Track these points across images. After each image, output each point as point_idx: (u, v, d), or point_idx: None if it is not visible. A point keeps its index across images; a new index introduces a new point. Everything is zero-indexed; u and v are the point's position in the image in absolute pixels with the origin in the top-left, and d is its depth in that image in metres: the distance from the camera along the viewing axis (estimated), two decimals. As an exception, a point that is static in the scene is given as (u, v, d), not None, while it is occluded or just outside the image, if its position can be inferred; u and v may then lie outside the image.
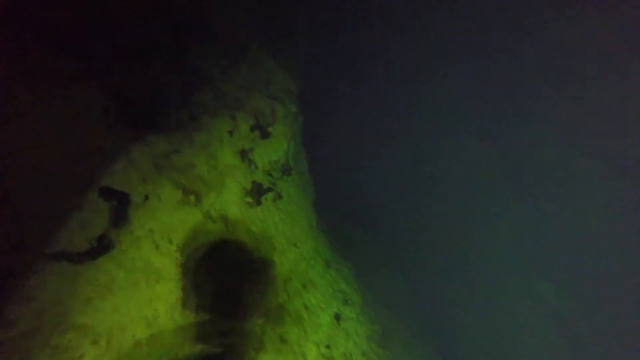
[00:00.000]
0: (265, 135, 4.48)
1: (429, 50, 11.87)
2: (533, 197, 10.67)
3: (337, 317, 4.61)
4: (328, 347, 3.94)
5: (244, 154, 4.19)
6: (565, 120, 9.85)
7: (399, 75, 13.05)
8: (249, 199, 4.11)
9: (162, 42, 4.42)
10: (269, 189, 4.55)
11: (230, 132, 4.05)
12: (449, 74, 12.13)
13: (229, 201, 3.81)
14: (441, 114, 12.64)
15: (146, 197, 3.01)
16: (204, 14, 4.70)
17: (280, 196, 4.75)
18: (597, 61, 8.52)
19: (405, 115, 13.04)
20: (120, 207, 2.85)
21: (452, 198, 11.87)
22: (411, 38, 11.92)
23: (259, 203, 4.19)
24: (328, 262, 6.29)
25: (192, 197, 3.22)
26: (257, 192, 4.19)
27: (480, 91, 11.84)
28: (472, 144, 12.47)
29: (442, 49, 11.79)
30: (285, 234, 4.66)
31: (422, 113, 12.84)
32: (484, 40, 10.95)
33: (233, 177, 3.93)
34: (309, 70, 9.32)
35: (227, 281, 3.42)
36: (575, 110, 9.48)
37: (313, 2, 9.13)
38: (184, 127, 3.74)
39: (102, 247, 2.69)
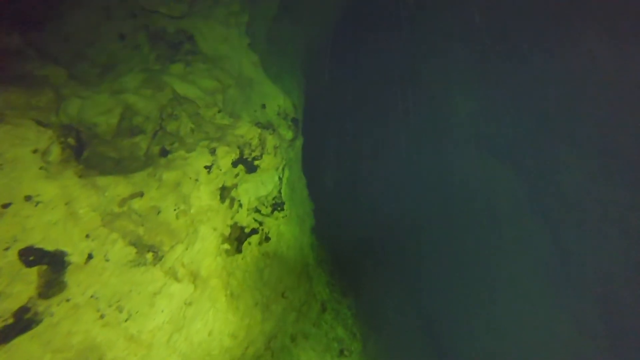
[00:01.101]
0: (251, 169, 3.92)
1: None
2: (556, 226, 9.83)
3: (329, 382, 3.96)
4: None
5: (224, 193, 3.62)
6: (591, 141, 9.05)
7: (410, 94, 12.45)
8: (227, 246, 3.53)
9: (136, 54, 3.93)
10: (254, 231, 3.95)
11: (209, 168, 3.49)
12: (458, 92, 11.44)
13: (202, 252, 3.23)
14: (452, 132, 11.94)
15: (89, 257, 2.45)
16: (188, 29, 4.20)
17: (267, 238, 4.15)
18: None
19: (416, 136, 12.39)
20: (52, 272, 2.29)
21: (472, 222, 11.10)
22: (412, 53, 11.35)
23: (239, 251, 3.60)
24: (324, 303, 5.63)
25: (150, 255, 2.64)
26: (237, 238, 3.61)
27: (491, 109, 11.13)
28: (488, 165, 11.71)
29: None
30: (272, 282, 4.04)
31: (433, 131, 12.18)
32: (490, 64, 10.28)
33: (209, 222, 3.35)
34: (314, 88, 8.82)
35: (190, 355, 2.82)
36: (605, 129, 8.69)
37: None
38: (153, 163, 3.20)
39: (19, 323, 2.13)
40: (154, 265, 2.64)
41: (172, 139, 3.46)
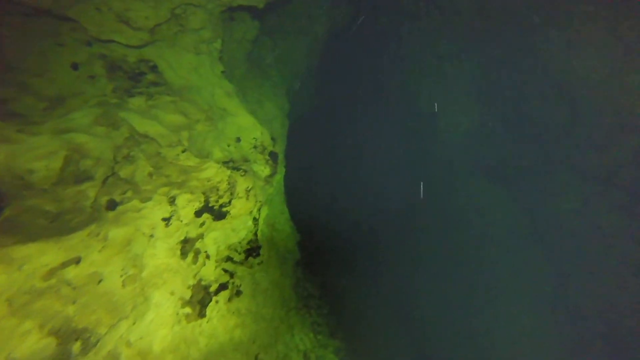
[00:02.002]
0: (220, 216, 3.45)
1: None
2: (554, 253, 9.48)
3: None
4: None
5: (186, 247, 3.14)
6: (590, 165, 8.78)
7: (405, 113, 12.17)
8: (188, 310, 3.03)
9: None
10: (223, 287, 3.46)
11: (167, 220, 3.01)
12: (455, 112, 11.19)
13: (156, 323, 2.73)
14: (448, 153, 11.64)
15: (-4, 353, 1.94)
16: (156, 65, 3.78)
17: (239, 292, 3.66)
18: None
19: (409, 158, 12.06)
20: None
21: (467, 248, 10.70)
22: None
23: (202, 315, 3.10)
24: (307, 353, 5.10)
25: (77, 345, 2.14)
26: (200, 300, 3.11)
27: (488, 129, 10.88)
28: (484, 189, 11.40)
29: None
30: (244, 344, 3.53)
31: (426, 153, 11.87)
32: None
33: (165, 286, 2.86)
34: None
35: None
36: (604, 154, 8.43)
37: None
38: (98, 218, 2.72)
39: None
40: (83, 357, 2.13)
41: (124, 187, 2.99)
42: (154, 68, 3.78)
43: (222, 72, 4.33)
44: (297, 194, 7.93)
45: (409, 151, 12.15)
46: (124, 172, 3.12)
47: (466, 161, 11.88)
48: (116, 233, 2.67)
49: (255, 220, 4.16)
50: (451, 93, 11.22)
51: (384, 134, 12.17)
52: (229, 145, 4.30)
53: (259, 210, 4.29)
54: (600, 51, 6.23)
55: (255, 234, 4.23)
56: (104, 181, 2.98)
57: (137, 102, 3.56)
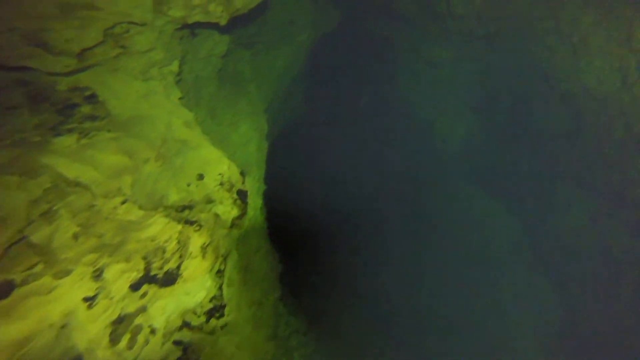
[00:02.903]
0: (167, 282, 2.82)
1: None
2: (557, 273, 8.92)
3: None
4: None
5: (119, 329, 2.51)
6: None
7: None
8: (121, 413, 2.40)
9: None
10: (171, 370, 2.83)
11: (90, 300, 2.38)
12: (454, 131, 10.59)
13: None
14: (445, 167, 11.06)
15: None
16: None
17: (194, 370, 3.03)
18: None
19: (403, 169, 11.47)
20: None
21: (465, 266, 10.13)
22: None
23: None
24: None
25: None
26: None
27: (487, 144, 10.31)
28: (483, 203, 10.83)
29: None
30: None
31: (422, 164, 11.29)
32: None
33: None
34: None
35: None
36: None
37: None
38: (-10, 309, 2.08)
39: None
40: None
41: (33, 259, 2.35)
42: (91, 98, 3.14)
43: (181, 98, 3.69)
44: (282, 217, 7.32)
45: (402, 161, 11.57)
46: (38, 236, 2.47)
47: (463, 171, 11.29)
48: (7, 331, 2.03)
49: (219, 273, 3.53)
50: (446, 100, 10.62)
51: (376, 143, 11.57)
52: (189, 185, 3.67)
53: (225, 259, 3.66)
54: (610, 62, 5.66)
55: (220, 289, 3.60)
56: (6, 250, 2.34)
57: (66, 141, 2.91)
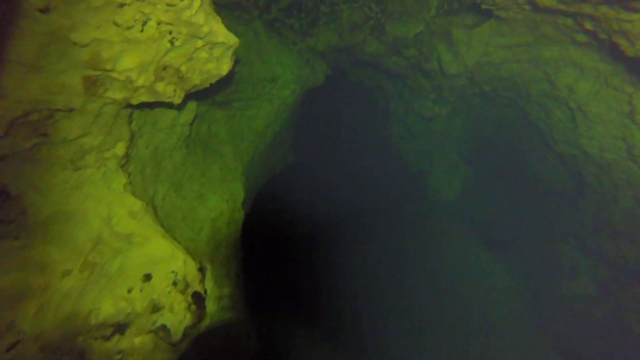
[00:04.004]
0: None
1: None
2: (563, 341, 8.11)
3: None
4: None
5: None
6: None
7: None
8: None
9: None
10: None
11: None
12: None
13: None
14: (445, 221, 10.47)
15: None
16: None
17: None
18: None
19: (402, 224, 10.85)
20: None
21: (466, 328, 9.26)
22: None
23: None
24: None
25: None
26: None
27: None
28: (478, 257, 10.16)
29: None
30: None
31: (420, 219, 10.69)
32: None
33: None
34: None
35: None
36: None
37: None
38: None
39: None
40: None
41: None
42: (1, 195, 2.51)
43: (129, 183, 3.08)
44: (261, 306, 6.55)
45: (394, 213, 10.97)
46: None
47: (459, 224, 10.70)
48: None
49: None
50: (440, 151, 10.22)
51: (366, 195, 11.02)
52: (130, 291, 2.97)
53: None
54: (613, 131, 5.28)
55: None
56: None
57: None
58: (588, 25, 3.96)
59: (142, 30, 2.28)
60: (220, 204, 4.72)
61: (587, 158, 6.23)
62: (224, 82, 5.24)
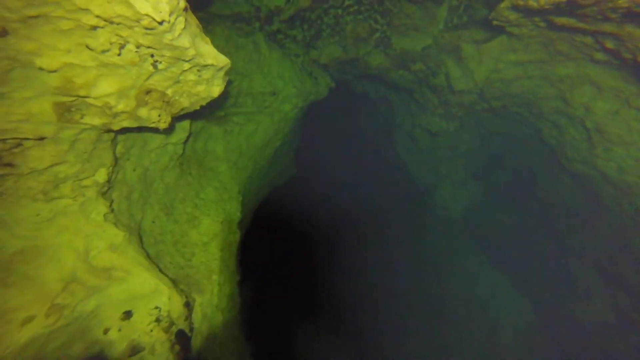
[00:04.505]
0: None
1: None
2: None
3: None
4: None
5: None
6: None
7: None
8: None
9: None
10: None
11: None
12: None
13: None
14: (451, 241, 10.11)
15: None
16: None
17: None
18: None
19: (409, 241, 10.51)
20: None
21: (473, 349, 8.86)
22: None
23: None
24: None
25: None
26: None
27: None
28: (486, 274, 9.77)
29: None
30: None
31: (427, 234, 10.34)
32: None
33: None
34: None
35: None
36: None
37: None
38: None
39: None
40: None
41: None
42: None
43: (107, 214, 2.84)
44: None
45: (401, 228, 10.63)
46: None
47: (467, 241, 10.34)
48: None
49: None
50: (447, 165, 9.91)
51: (370, 209, 10.71)
52: (105, 332, 2.71)
53: None
54: (634, 153, 4.95)
55: None
56: None
57: None
58: (609, 44, 3.68)
59: (119, 54, 2.05)
60: (214, 226, 4.47)
61: (605, 179, 5.89)
62: (221, 98, 5.02)
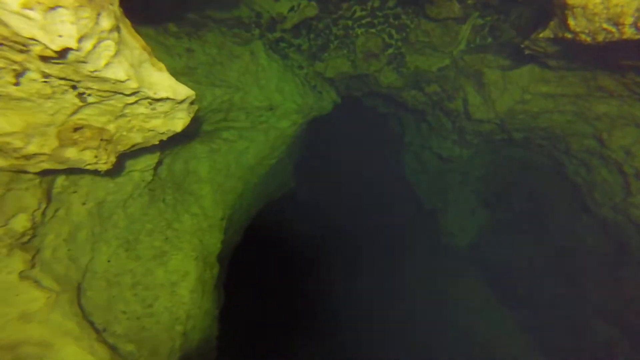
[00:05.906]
0: None
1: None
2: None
3: None
4: None
5: None
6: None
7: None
8: None
9: None
10: None
11: None
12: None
13: None
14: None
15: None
16: None
17: None
18: None
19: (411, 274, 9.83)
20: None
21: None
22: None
23: None
24: None
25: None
26: None
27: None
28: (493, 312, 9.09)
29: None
30: None
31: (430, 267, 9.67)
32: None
33: None
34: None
35: None
36: None
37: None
38: None
39: None
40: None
41: None
42: None
43: (29, 268, 2.25)
44: None
45: (402, 255, 9.97)
46: None
47: (470, 273, 9.65)
48: None
49: None
50: (455, 191, 9.25)
51: (370, 230, 10.07)
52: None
53: None
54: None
55: None
56: None
57: None
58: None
59: (16, 84, 1.45)
60: (186, 263, 3.88)
61: (638, 230, 5.20)
62: (207, 114, 4.43)
